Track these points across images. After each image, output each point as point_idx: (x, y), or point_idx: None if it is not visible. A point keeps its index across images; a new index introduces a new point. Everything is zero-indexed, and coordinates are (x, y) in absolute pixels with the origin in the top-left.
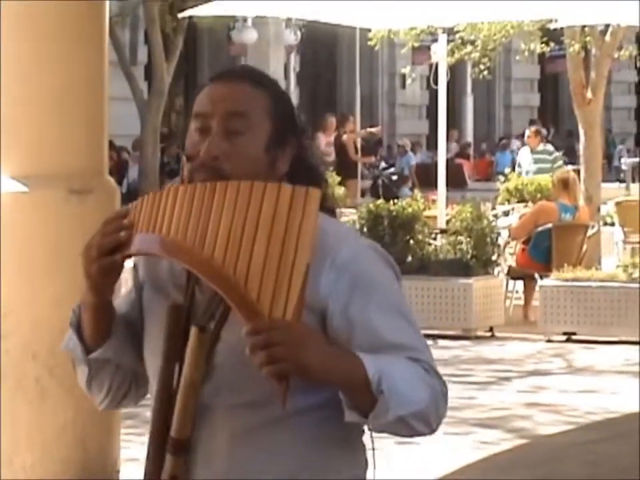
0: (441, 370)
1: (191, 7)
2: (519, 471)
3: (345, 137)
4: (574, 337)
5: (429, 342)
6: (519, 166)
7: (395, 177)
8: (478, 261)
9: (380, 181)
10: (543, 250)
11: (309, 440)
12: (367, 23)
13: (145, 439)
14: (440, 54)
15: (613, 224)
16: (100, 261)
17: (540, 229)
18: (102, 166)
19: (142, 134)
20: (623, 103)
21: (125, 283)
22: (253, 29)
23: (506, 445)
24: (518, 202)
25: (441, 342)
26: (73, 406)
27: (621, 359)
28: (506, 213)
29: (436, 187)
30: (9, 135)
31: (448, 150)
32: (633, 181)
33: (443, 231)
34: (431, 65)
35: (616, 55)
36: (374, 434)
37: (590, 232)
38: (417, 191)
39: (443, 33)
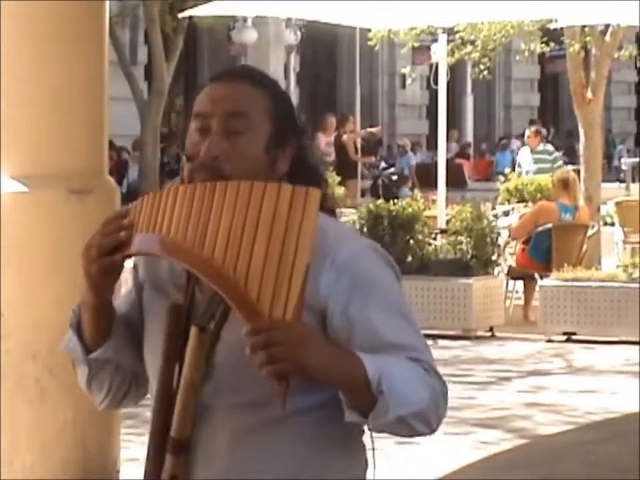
0: (441, 370)
1: (191, 7)
2: (519, 471)
3: (344, 137)
4: (574, 337)
5: (429, 342)
6: (519, 166)
7: (394, 177)
8: (478, 261)
9: (380, 181)
10: (543, 250)
11: (308, 440)
12: (367, 23)
13: (145, 439)
14: (440, 54)
15: (612, 224)
16: (100, 261)
17: (540, 229)
18: (102, 166)
19: (142, 134)
20: (622, 103)
21: (125, 283)
22: (253, 29)
23: (506, 445)
24: (518, 202)
25: (441, 342)
26: (72, 406)
27: (621, 359)
28: (506, 213)
29: (436, 186)
30: (9, 135)
31: (448, 150)
32: (633, 181)
33: (443, 231)
34: (431, 65)
35: (616, 55)
36: (374, 434)
37: (590, 232)
38: (417, 191)
39: (443, 33)
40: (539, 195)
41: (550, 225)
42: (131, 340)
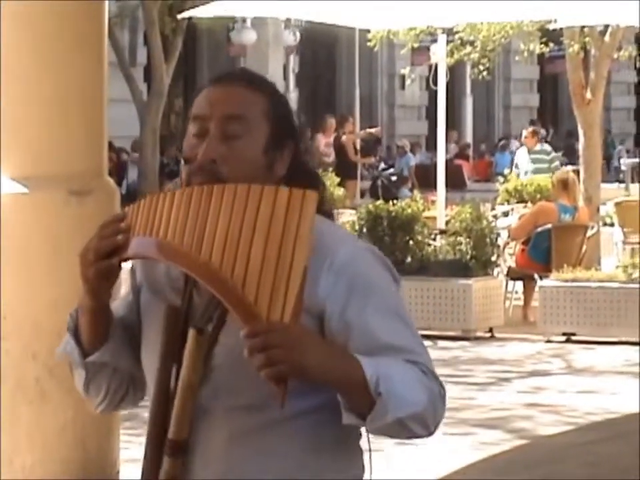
0: (441, 371)
1: (190, 8)
2: (518, 471)
3: (344, 137)
4: (573, 338)
5: (429, 343)
6: (517, 167)
7: (394, 178)
8: (477, 262)
9: (379, 182)
10: (543, 250)
11: (306, 442)
12: (366, 24)
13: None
14: (439, 54)
15: (612, 224)
16: (97, 264)
17: (539, 229)
18: (101, 167)
19: (141, 135)
20: (622, 103)
21: (125, 283)
22: (252, 30)
23: (505, 446)
24: (517, 202)
25: (441, 343)
26: (72, 406)
27: (620, 359)
28: (505, 214)
29: (435, 187)
30: (9, 136)
31: (447, 151)
32: (632, 182)
33: (442, 232)
34: (430, 66)
35: (615, 56)
36: (374, 435)
37: (589, 232)
38: (416, 192)
39: (443, 33)
40: (538, 196)
41: (549, 226)
42: (128, 343)
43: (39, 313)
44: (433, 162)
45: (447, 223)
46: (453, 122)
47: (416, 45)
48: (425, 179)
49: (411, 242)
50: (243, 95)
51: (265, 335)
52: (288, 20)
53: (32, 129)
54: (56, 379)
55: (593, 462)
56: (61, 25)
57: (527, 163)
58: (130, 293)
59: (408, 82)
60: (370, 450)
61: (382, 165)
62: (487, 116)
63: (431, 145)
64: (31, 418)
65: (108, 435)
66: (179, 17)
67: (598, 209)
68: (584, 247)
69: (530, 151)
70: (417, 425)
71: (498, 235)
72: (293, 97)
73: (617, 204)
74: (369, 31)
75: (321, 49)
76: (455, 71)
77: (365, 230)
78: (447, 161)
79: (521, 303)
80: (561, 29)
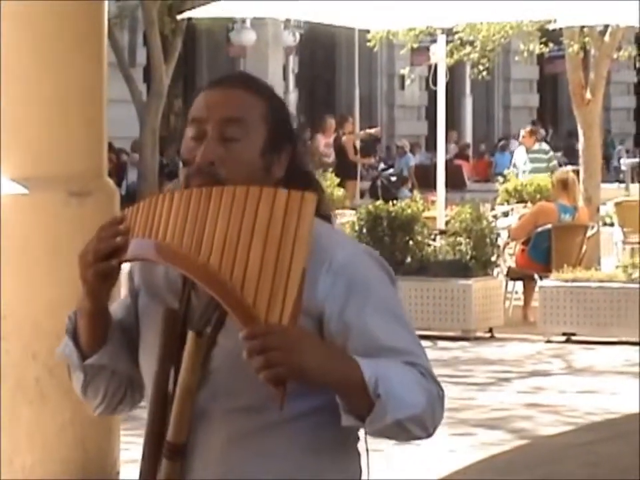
0: (441, 371)
1: (190, 9)
2: (518, 471)
3: (344, 138)
4: (573, 338)
5: (428, 343)
6: (514, 167)
7: (394, 178)
8: (477, 262)
9: (379, 182)
10: (543, 250)
11: (305, 445)
12: (366, 24)
13: None
14: (439, 55)
15: (612, 224)
16: (96, 266)
17: (539, 229)
18: (101, 168)
19: (141, 136)
20: (622, 103)
21: (124, 286)
22: (252, 31)
23: (506, 446)
24: (517, 203)
25: (441, 343)
26: (72, 406)
27: (620, 359)
28: (505, 214)
29: (435, 187)
30: (9, 137)
31: (447, 151)
32: (632, 182)
33: (442, 232)
34: (430, 66)
35: (615, 56)
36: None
37: (589, 232)
38: (416, 192)
39: (442, 33)
40: (538, 196)
41: (549, 226)
42: (126, 346)
43: (39, 313)
44: (432, 162)
45: (447, 223)
46: (453, 122)
47: (415, 45)
48: (424, 179)
49: (410, 242)
50: (241, 98)
51: (264, 337)
52: (287, 20)
53: (32, 129)
54: (56, 379)
55: (593, 462)
56: (61, 25)
57: (524, 163)
58: (128, 295)
59: (407, 82)
60: (367, 450)
61: (382, 165)
62: (486, 116)
63: (431, 145)
64: (30, 418)
65: (108, 435)
66: (179, 17)
67: (598, 209)
68: (584, 247)
69: (528, 151)
70: (415, 426)
71: (498, 235)
72: (292, 98)
73: (617, 204)
74: (368, 31)
75: (321, 50)
76: (454, 71)
77: (364, 230)
78: (446, 161)
79: (521, 303)
80: (561, 29)
